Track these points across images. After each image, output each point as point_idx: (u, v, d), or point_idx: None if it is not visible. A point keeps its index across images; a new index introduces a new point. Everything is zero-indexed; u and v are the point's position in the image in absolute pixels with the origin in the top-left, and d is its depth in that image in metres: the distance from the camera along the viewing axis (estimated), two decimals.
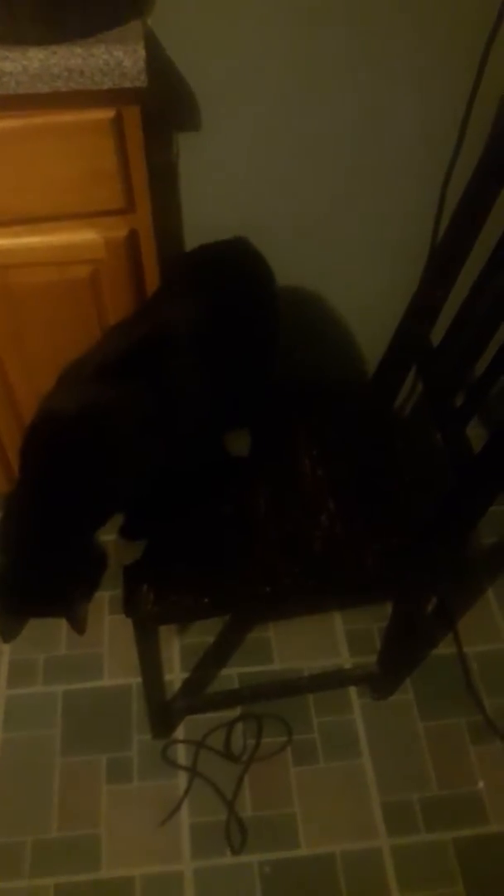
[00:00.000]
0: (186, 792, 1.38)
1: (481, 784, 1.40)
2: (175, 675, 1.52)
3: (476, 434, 1.12)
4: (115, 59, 0.97)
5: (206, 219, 1.35)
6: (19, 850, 1.31)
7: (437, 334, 1.21)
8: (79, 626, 1.00)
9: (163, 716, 1.39)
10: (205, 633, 1.59)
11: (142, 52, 0.97)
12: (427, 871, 1.31)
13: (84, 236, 1.17)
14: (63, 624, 1.56)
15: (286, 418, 1.31)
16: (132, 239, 1.19)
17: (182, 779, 1.40)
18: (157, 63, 1.14)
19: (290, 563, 1.11)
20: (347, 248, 1.45)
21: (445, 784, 1.40)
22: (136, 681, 1.50)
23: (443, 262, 1.16)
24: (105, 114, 1.04)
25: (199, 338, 1.04)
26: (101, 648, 1.56)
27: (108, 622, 1.59)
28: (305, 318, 1.57)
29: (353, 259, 1.47)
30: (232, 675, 1.53)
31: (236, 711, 1.47)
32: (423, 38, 1.18)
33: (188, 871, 1.30)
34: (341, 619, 1.61)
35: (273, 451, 1.26)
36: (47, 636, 1.57)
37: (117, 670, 1.53)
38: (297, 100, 1.23)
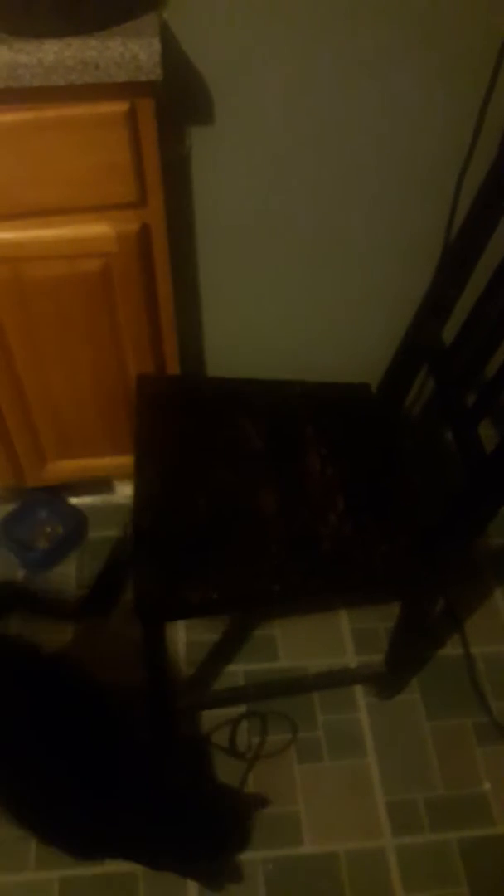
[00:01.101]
0: None
1: (487, 785, 1.40)
2: (180, 672, 1.52)
3: (486, 434, 1.12)
4: (130, 52, 0.97)
5: (217, 213, 1.35)
6: None
7: (449, 333, 1.20)
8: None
9: (165, 716, 1.39)
10: (210, 630, 1.58)
11: (157, 46, 0.97)
12: (431, 872, 1.30)
13: (96, 230, 1.17)
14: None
15: (295, 417, 1.30)
16: (144, 233, 1.19)
17: None
18: (172, 56, 1.14)
19: (299, 560, 1.10)
20: (359, 245, 1.45)
21: (450, 784, 1.40)
22: (141, 677, 1.50)
23: (456, 261, 1.15)
24: (119, 107, 1.03)
25: None
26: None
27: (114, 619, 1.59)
28: (315, 316, 1.56)
29: (364, 258, 1.47)
30: (237, 672, 1.53)
31: (241, 709, 1.47)
32: (438, 37, 1.17)
33: None
34: (347, 618, 1.61)
35: (282, 449, 1.25)
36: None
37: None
38: (311, 96, 1.22)
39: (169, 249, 1.23)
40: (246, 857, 1.31)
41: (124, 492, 1.77)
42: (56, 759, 1.12)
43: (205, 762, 1.39)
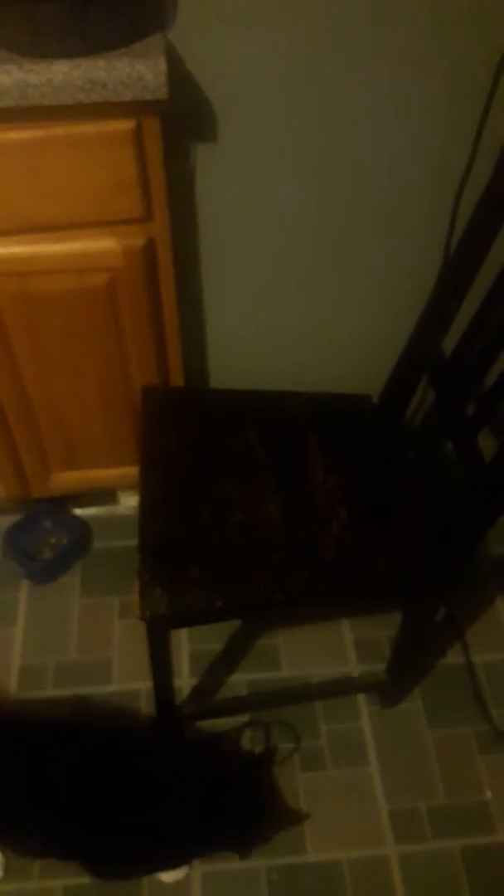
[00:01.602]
0: None
1: (488, 793, 1.40)
2: (184, 681, 1.53)
3: (486, 445, 1.13)
4: (136, 72, 0.99)
5: (220, 228, 1.37)
6: None
7: (450, 343, 1.22)
8: None
9: (171, 721, 1.40)
10: (213, 639, 1.60)
11: (163, 66, 1.00)
12: (434, 880, 1.31)
13: (103, 244, 1.19)
14: (74, 628, 1.59)
15: (298, 428, 1.32)
16: (149, 248, 1.21)
17: None
18: (177, 76, 1.17)
19: (302, 568, 1.12)
20: (360, 259, 1.47)
21: (453, 793, 1.41)
22: (145, 685, 1.51)
23: (456, 272, 1.18)
24: (126, 125, 1.06)
25: None
26: (110, 653, 1.57)
27: (118, 627, 1.61)
28: (316, 328, 1.58)
29: (365, 270, 1.49)
30: (240, 681, 1.54)
31: (245, 718, 1.48)
32: (438, 52, 1.20)
33: (196, 875, 1.30)
34: (350, 627, 1.62)
35: (285, 459, 1.27)
36: (57, 641, 1.58)
37: (126, 675, 1.54)
38: (313, 115, 1.25)
39: (173, 263, 1.25)
40: (250, 865, 1.31)
41: (128, 503, 1.79)
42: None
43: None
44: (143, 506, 1.18)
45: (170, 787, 1.22)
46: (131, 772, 1.23)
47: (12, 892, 1.28)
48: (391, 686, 1.48)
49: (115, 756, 1.25)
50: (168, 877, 1.28)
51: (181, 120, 1.23)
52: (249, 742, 1.45)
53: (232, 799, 1.22)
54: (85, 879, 1.27)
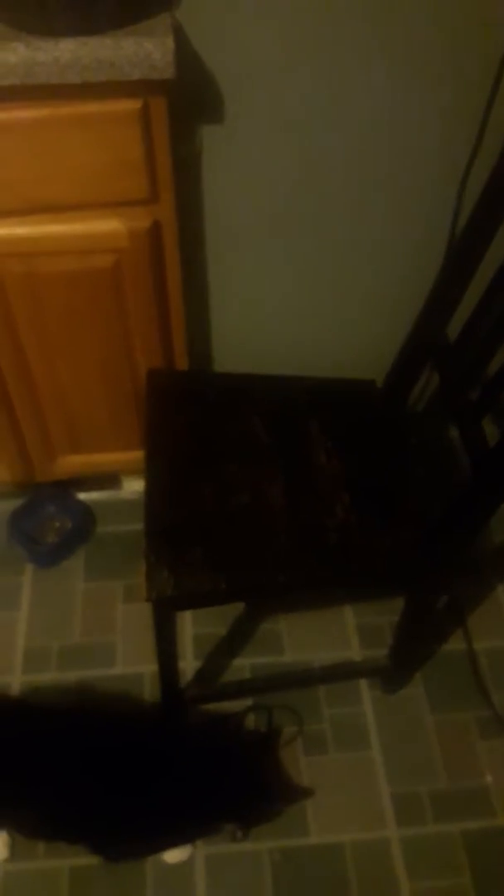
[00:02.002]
0: None
1: (489, 778, 1.41)
2: (188, 664, 1.54)
3: (488, 431, 1.14)
4: (144, 50, 0.98)
5: (226, 210, 1.37)
6: None
7: (454, 329, 1.22)
8: None
9: (175, 703, 1.41)
10: (217, 623, 1.60)
11: (171, 45, 0.99)
12: (435, 862, 1.32)
13: (108, 226, 1.18)
14: (77, 612, 1.60)
15: (302, 412, 1.32)
16: (155, 229, 1.20)
17: None
18: (185, 55, 1.16)
19: (305, 552, 1.12)
20: (365, 243, 1.46)
21: (454, 777, 1.41)
22: (148, 669, 1.52)
23: (460, 258, 1.17)
24: (133, 104, 1.05)
25: None
26: (114, 637, 1.57)
27: (122, 611, 1.61)
28: (321, 312, 1.58)
29: (370, 255, 1.49)
30: (243, 665, 1.55)
31: (248, 702, 1.48)
32: (445, 37, 1.19)
33: (199, 857, 1.31)
34: (352, 613, 1.63)
35: (289, 443, 1.27)
36: (61, 624, 1.59)
37: (130, 659, 1.54)
38: (321, 97, 1.24)
39: (178, 245, 1.25)
40: (253, 847, 1.32)
41: (132, 487, 1.79)
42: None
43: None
44: (149, 488, 1.18)
45: (174, 767, 1.22)
46: (135, 753, 1.23)
47: (18, 872, 1.29)
48: (393, 671, 1.48)
49: (119, 738, 1.26)
50: (172, 857, 1.29)
51: (188, 101, 1.22)
52: (253, 725, 1.46)
53: (235, 778, 1.23)
54: (90, 860, 1.28)
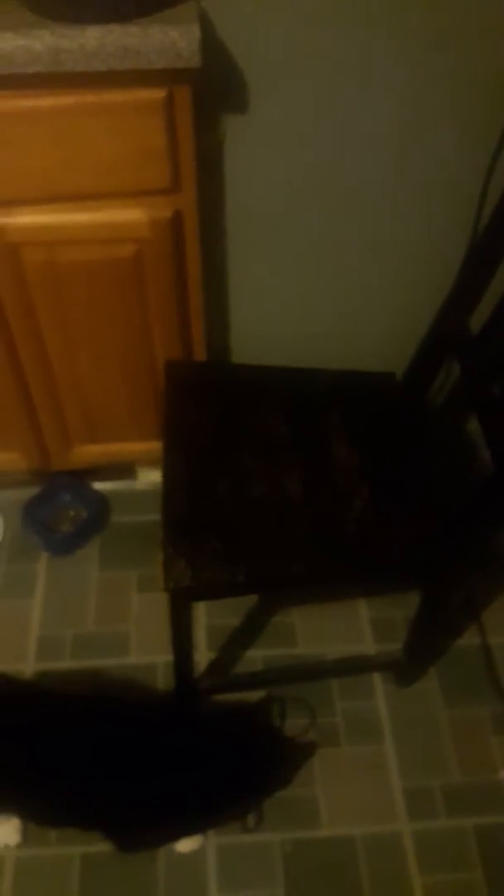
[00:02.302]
0: None
1: (502, 773, 1.41)
2: (201, 655, 1.54)
3: None
4: (170, 39, 0.98)
5: (247, 200, 1.36)
6: None
7: (477, 322, 1.21)
8: None
9: (189, 694, 1.41)
10: (231, 615, 1.60)
11: (197, 33, 0.98)
12: (447, 857, 1.32)
13: (130, 215, 1.18)
14: (92, 601, 1.60)
15: (321, 405, 1.32)
16: (176, 219, 1.20)
17: None
18: (209, 44, 1.16)
19: (323, 545, 1.12)
20: (387, 234, 1.46)
21: (467, 772, 1.41)
22: (162, 659, 1.52)
23: (484, 249, 1.16)
24: (157, 93, 1.05)
25: None
26: (128, 626, 1.58)
27: (136, 600, 1.61)
28: (341, 305, 1.57)
29: (392, 246, 1.48)
30: (256, 657, 1.55)
31: (261, 693, 1.48)
32: (470, 27, 1.18)
33: (211, 847, 1.31)
34: (366, 607, 1.62)
35: (308, 436, 1.27)
36: (76, 613, 1.59)
37: (144, 648, 1.55)
38: (346, 88, 1.23)
39: (199, 237, 1.25)
40: (264, 838, 1.33)
41: (147, 478, 1.79)
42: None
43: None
44: (167, 479, 1.18)
45: (186, 755, 1.23)
46: (148, 741, 1.23)
47: (30, 858, 1.30)
48: (407, 665, 1.48)
49: (132, 725, 1.26)
50: (184, 846, 1.29)
51: (211, 90, 1.21)
52: (267, 716, 1.46)
53: (248, 766, 1.23)
54: (102, 847, 1.29)
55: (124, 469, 1.78)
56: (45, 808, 1.26)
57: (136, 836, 1.27)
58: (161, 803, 1.21)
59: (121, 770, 1.21)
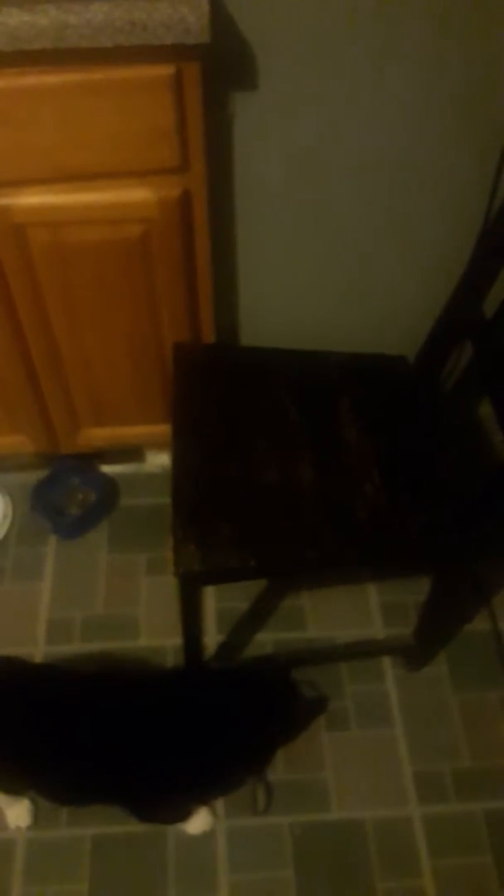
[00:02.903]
0: None
1: None
2: (211, 639, 1.54)
3: None
4: (178, 13, 0.96)
5: (257, 180, 1.34)
6: None
7: (491, 305, 1.19)
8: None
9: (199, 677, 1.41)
10: (240, 598, 1.60)
11: (206, 7, 0.96)
12: (457, 840, 1.32)
13: (137, 195, 1.16)
14: (101, 584, 1.60)
15: (332, 388, 1.30)
16: (185, 199, 1.18)
17: None
18: (218, 19, 1.13)
19: (335, 529, 1.11)
20: (398, 216, 1.43)
21: (477, 756, 1.41)
22: (171, 642, 1.52)
23: (498, 231, 1.14)
24: (165, 70, 1.03)
25: None
26: (137, 609, 1.58)
27: (145, 583, 1.61)
28: (351, 287, 1.55)
29: (403, 228, 1.45)
30: (266, 640, 1.54)
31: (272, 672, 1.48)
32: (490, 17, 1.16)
33: (221, 829, 1.32)
34: (376, 591, 1.62)
35: (318, 420, 1.25)
36: (85, 596, 1.59)
37: (153, 631, 1.54)
38: (358, 64, 1.20)
39: (208, 217, 1.23)
40: (274, 820, 1.33)
41: (155, 461, 1.78)
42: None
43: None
44: (176, 463, 1.17)
45: (194, 719, 1.21)
46: (157, 714, 1.22)
47: (41, 839, 1.30)
48: (417, 650, 1.48)
49: (140, 694, 1.24)
50: (194, 828, 1.30)
51: (220, 66, 1.19)
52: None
53: (255, 723, 1.23)
54: (113, 828, 1.30)
55: (133, 452, 1.77)
56: (59, 786, 1.26)
57: (151, 806, 1.26)
58: (173, 769, 1.20)
59: (132, 739, 1.19)
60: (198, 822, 1.30)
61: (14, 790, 1.29)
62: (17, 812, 1.31)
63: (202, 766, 1.21)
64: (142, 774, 1.19)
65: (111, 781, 1.21)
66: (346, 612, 1.59)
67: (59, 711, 1.22)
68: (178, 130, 1.09)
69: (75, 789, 1.23)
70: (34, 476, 1.73)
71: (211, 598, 1.60)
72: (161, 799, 1.25)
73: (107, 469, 1.78)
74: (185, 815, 1.29)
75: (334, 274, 1.52)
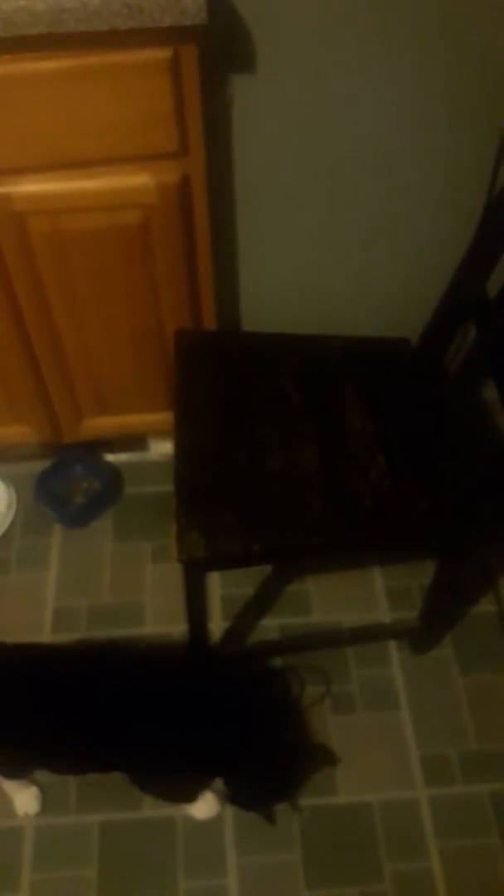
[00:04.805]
0: None
1: None
2: (216, 625, 1.54)
3: None
4: None
5: (257, 165, 1.33)
6: None
7: (494, 285, 1.19)
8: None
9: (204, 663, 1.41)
10: (245, 584, 1.60)
11: None
12: (464, 823, 1.32)
13: (136, 181, 1.16)
14: (106, 572, 1.60)
15: (335, 373, 1.30)
16: (184, 184, 1.18)
17: None
18: (215, 1, 1.12)
19: (339, 514, 1.11)
20: (399, 198, 1.42)
21: (483, 738, 1.41)
22: (177, 629, 1.52)
23: (500, 212, 1.13)
24: (162, 53, 1.02)
25: None
26: (142, 597, 1.58)
27: (150, 571, 1.61)
28: (353, 270, 1.55)
29: (405, 211, 1.45)
30: (271, 625, 1.55)
31: (276, 661, 1.48)
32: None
33: (228, 813, 1.32)
34: (381, 575, 1.62)
35: (322, 404, 1.25)
36: (90, 584, 1.60)
37: (159, 618, 1.55)
38: (359, 47, 1.19)
39: (207, 202, 1.22)
40: (282, 804, 1.33)
41: (159, 449, 1.78)
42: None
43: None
44: (179, 449, 1.17)
45: (203, 706, 1.21)
46: (165, 691, 1.21)
47: (49, 826, 1.31)
48: (423, 633, 1.48)
49: (147, 673, 1.23)
50: (201, 812, 1.30)
51: (218, 50, 1.18)
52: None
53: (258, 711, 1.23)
54: (121, 814, 1.30)
55: (136, 441, 1.77)
56: (62, 757, 1.24)
57: (150, 776, 1.25)
58: (171, 744, 1.19)
59: (137, 715, 1.18)
60: (204, 807, 1.31)
61: (20, 769, 1.28)
62: (26, 799, 1.31)
63: (198, 746, 1.20)
64: (140, 744, 1.18)
65: (113, 751, 1.19)
66: (352, 597, 1.59)
67: (64, 686, 1.20)
68: (177, 115, 1.09)
69: (78, 759, 1.22)
70: (38, 466, 1.73)
71: (216, 584, 1.60)
72: (158, 770, 1.24)
73: (110, 458, 1.78)
74: (188, 796, 1.29)
75: (336, 258, 1.51)
